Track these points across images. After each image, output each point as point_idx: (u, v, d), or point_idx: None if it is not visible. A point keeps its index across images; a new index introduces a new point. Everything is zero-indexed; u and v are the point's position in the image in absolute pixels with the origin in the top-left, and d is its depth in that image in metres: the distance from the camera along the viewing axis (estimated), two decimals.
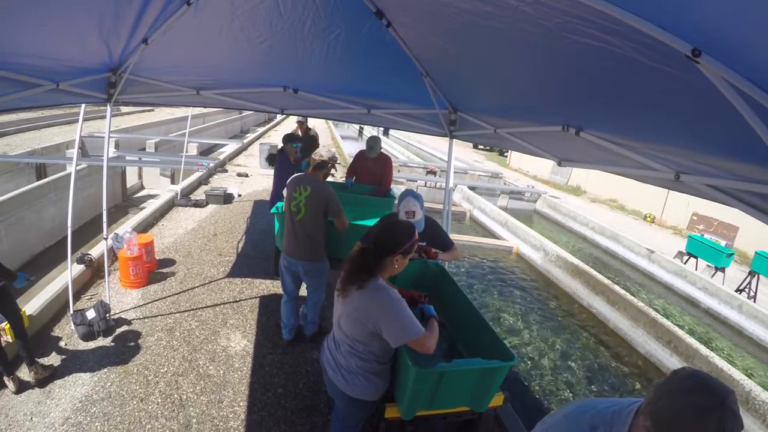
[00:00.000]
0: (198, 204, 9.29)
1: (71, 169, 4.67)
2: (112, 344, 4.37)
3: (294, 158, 6.05)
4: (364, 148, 6.15)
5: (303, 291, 4.43)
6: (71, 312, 4.48)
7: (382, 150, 6.40)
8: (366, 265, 2.29)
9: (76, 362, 4.07)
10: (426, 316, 2.52)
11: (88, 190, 10.10)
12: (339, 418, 2.73)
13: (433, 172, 17.52)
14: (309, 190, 3.90)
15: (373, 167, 6.23)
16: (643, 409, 1.18)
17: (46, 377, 3.80)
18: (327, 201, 3.88)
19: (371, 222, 4.38)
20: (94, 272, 5.62)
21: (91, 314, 4.42)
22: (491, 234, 13.09)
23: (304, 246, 3.98)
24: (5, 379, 3.63)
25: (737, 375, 6.10)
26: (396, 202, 3.95)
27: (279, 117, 28.92)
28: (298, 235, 3.96)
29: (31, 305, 4.48)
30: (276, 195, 5.88)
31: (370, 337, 2.27)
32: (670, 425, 1.08)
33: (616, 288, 8.61)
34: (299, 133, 8.03)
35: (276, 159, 6.24)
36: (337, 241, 4.17)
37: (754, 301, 9.58)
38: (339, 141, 24.41)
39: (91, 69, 3.56)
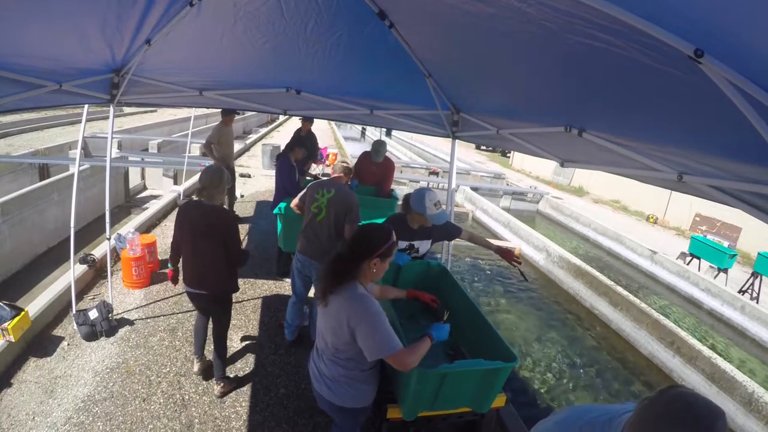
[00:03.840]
0: None
1: (74, 169, 4.70)
2: (115, 344, 4.38)
3: (295, 159, 6.04)
4: (368, 149, 6.17)
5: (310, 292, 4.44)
6: (74, 312, 4.49)
7: (387, 154, 6.43)
8: (342, 271, 2.23)
9: (78, 362, 4.08)
10: (424, 333, 2.42)
11: (90, 190, 10.14)
12: (335, 424, 2.72)
13: (435, 173, 17.53)
14: (333, 192, 3.94)
15: (376, 170, 6.27)
16: (627, 427, 1.12)
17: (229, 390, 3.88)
18: (350, 205, 3.92)
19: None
20: (97, 272, 5.63)
21: (93, 314, 4.43)
22: (494, 235, 13.07)
23: (319, 246, 3.98)
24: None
25: (740, 376, 6.08)
26: (400, 202, 3.97)
27: (281, 118, 28.93)
28: (316, 236, 3.98)
29: (34, 305, 4.49)
30: (278, 196, 5.89)
31: (349, 345, 2.22)
32: None
33: (619, 289, 8.60)
34: (302, 131, 7.99)
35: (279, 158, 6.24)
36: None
37: (757, 302, 9.55)
38: (342, 142, 24.39)
39: (94, 70, 3.57)
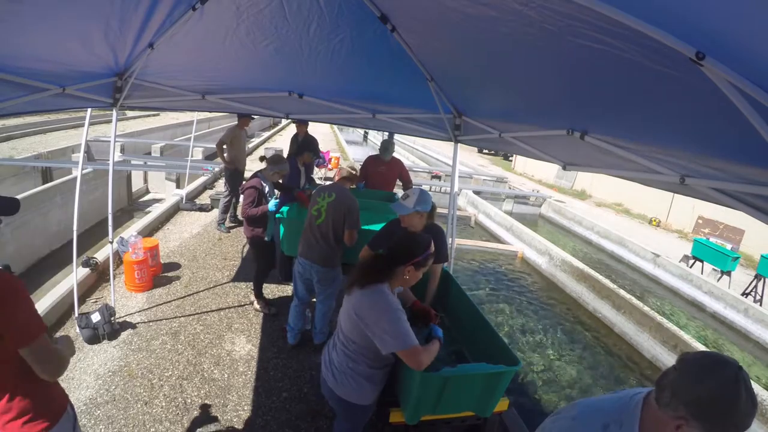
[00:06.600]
0: (203, 208, 9.33)
1: (77, 172, 4.71)
2: (117, 347, 4.38)
3: (303, 163, 6.05)
4: (372, 153, 6.13)
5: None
6: (76, 315, 4.50)
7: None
8: (376, 270, 2.34)
9: (80, 365, 4.08)
10: (432, 336, 2.56)
11: (93, 193, 10.16)
12: (336, 420, 2.74)
13: (438, 177, 17.51)
14: (333, 196, 3.94)
15: (386, 172, 6.19)
16: (665, 404, 1.18)
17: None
18: (348, 210, 3.91)
19: (377, 227, 4.37)
20: (100, 276, 5.64)
21: (96, 317, 4.43)
22: (496, 238, 13.05)
23: (319, 249, 3.98)
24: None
25: None
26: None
27: (284, 121, 28.97)
28: (315, 239, 3.98)
29: (36, 308, 4.48)
30: (281, 199, 5.90)
31: (363, 338, 2.28)
32: (714, 405, 1.11)
33: (622, 292, 8.56)
34: (299, 136, 8.02)
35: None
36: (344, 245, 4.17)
37: (760, 305, 9.50)
38: (344, 146, 24.42)
39: (97, 73, 3.59)
